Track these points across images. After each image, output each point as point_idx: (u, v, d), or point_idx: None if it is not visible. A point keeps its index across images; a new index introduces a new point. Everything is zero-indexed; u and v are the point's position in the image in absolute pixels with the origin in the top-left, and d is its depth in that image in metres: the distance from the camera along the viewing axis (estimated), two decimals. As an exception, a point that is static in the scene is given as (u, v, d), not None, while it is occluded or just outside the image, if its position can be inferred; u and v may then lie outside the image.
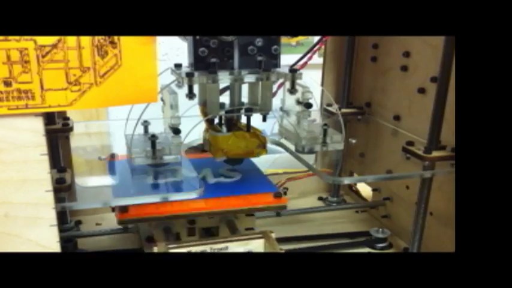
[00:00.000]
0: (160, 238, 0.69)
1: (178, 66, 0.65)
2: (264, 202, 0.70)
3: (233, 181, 0.75)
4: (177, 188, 0.70)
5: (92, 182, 0.86)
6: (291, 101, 0.74)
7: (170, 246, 0.60)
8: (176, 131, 0.63)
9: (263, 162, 0.81)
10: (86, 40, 0.46)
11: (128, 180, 0.72)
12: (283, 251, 0.62)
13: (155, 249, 0.60)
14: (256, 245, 0.63)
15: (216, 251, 0.62)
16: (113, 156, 0.81)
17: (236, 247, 0.63)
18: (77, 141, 0.84)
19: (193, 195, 0.63)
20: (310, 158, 0.89)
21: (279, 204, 0.71)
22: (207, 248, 0.61)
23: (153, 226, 0.70)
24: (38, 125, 0.48)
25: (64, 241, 0.74)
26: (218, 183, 0.74)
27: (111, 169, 0.77)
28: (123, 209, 0.65)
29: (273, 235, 0.64)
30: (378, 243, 0.82)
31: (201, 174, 0.75)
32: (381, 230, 0.82)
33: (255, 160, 0.79)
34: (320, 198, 1.01)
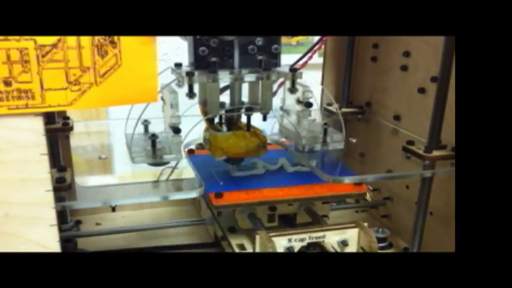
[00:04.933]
0: (244, 224, 0.71)
1: (178, 65, 0.65)
2: (345, 190, 0.72)
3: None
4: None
5: (92, 181, 0.86)
6: (291, 100, 0.74)
7: (271, 234, 0.62)
8: (176, 130, 0.63)
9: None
10: (86, 40, 0.46)
11: (214, 174, 0.75)
12: (375, 241, 0.64)
13: (257, 237, 0.61)
14: (352, 234, 0.65)
15: (314, 239, 0.64)
16: (191, 151, 0.84)
17: (332, 236, 0.65)
18: (76, 140, 0.84)
19: (193, 194, 0.64)
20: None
21: (359, 191, 0.73)
22: (306, 237, 0.63)
23: (237, 213, 0.72)
24: (38, 125, 0.48)
25: (64, 241, 0.74)
26: (296, 172, 0.76)
27: (194, 163, 0.78)
28: (219, 196, 0.67)
29: (366, 224, 0.66)
30: (378, 243, 0.81)
31: (279, 164, 0.77)
32: (380, 229, 0.82)
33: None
34: (320, 198, 1.01)
